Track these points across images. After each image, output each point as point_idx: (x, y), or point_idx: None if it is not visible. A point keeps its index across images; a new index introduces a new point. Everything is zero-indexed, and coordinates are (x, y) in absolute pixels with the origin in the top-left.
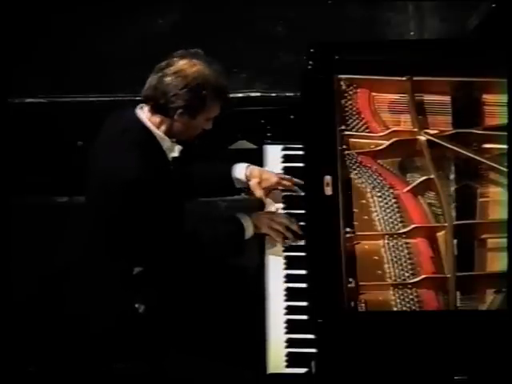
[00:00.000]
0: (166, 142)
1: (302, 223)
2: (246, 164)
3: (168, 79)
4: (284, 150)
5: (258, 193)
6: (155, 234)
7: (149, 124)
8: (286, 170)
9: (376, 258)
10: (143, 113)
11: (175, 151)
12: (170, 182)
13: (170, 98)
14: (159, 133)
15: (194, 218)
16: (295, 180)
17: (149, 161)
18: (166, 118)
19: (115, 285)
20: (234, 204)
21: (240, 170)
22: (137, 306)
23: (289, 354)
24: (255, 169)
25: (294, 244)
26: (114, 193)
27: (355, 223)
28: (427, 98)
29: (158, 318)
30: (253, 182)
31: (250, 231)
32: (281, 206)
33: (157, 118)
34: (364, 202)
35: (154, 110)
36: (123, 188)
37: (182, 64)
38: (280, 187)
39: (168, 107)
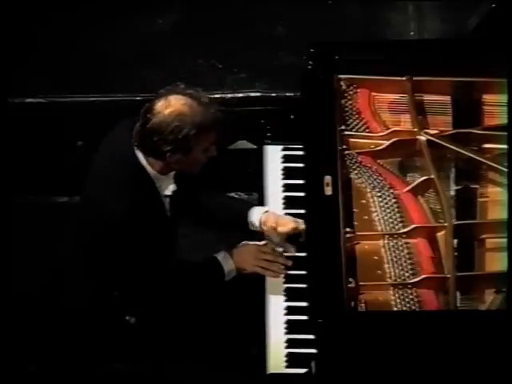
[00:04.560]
0: (159, 180)
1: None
2: (265, 209)
3: (149, 125)
4: (284, 150)
5: (275, 239)
6: (134, 267)
7: (144, 163)
8: (286, 170)
9: (376, 258)
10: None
11: (169, 190)
12: (160, 220)
13: (155, 144)
14: (153, 171)
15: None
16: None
17: (138, 200)
18: (158, 160)
19: (96, 299)
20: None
21: (257, 215)
22: (127, 318)
23: (289, 354)
24: (271, 215)
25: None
26: (98, 223)
27: (355, 223)
28: (427, 97)
29: (153, 323)
30: (268, 229)
31: (231, 274)
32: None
33: (150, 159)
34: (364, 201)
35: (146, 154)
36: (106, 221)
37: (159, 107)
38: (297, 232)
39: (157, 151)
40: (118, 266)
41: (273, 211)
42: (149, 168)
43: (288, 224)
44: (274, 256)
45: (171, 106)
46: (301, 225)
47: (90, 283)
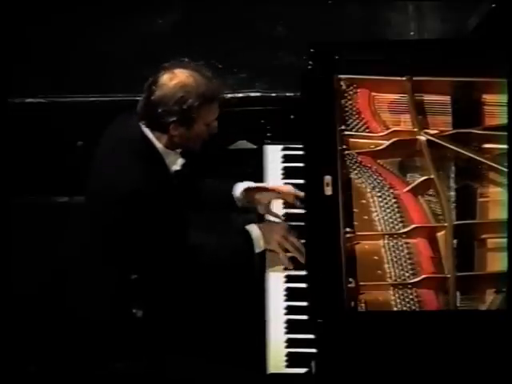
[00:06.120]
0: (167, 155)
1: (302, 223)
2: (247, 183)
3: (154, 97)
4: (284, 149)
5: (261, 209)
6: (153, 246)
7: (151, 137)
8: (286, 170)
9: (376, 258)
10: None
11: (177, 164)
12: (171, 195)
13: (159, 115)
14: (161, 146)
15: (204, 228)
16: (297, 192)
17: (149, 174)
18: (163, 133)
19: (110, 290)
20: None
21: (240, 189)
22: (134, 311)
23: (289, 354)
24: (253, 186)
25: (294, 272)
26: (113, 204)
27: (355, 223)
28: (427, 97)
29: (157, 320)
30: (252, 200)
31: (260, 246)
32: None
33: (155, 133)
34: (364, 201)
35: (151, 127)
36: (122, 200)
37: (164, 79)
38: (282, 198)
39: (161, 123)
40: (134, 243)
41: (252, 183)
42: (156, 142)
43: (269, 192)
44: (299, 242)
45: (176, 77)
46: (284, 188)
47: (107, 272)
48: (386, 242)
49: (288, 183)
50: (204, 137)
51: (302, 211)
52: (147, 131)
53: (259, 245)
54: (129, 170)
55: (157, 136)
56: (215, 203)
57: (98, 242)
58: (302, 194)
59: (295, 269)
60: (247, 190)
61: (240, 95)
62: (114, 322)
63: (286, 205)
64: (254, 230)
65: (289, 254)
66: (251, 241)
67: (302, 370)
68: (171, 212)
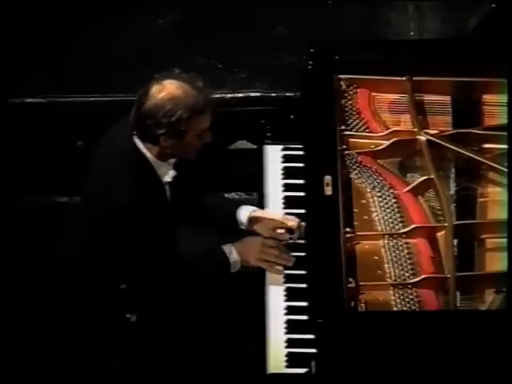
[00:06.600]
0: (159, 167)
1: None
2: (253, 208)
3: (143, 109)
4: (284, 150)
5: (266, 233)
6: (141, 255)
7: (142, 148)
8: (286, 170)
9: (376, 258)
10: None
11: (169, 176)
12: (162, 206)
13: (149, 127)
14: (152, 157)
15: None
16: (301, 223)
17: (140, 184)
18: (154, 145)
19: (98, 292)
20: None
21: (244, 214)
22: (128, 315)
23: (289, 354)
24: (258, 213)
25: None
26: (104, 211)
27: (355, 223)
28: (427, 97)
29: (153, 321)
30: (256, 227)
31: (236, 266)
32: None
33: (147, 144)
34: (364, 201)
35: (142, 139)
36: (112, 208)
37: (153, 91)
38: (285, 227)
39: (151, 135)
40: (125, 254)
41: (259, 210)
42: (148, 154)
43: (272, 222)
44: (279, 251)
45: (165, 89)
46: (289, 221)
47: (97, 277)
48: (386, 242)
49: (288, 184)
50: (197, 147)
51: (302, 211)
52: (138, 142)
53: (235, 267)
54: (120, 180)
55: (148, 147)
56: (216, 222)
57: (88, 245)
58: (303, 225)
59: (295, 269)
60: (252, 219)
61: (240, 95)
62: (105, 324)
63: (287, 206)
64: (230, 251)
65: (275, 266)
66: (227, 263)
67: (302, 370)
68: (161, 223)
